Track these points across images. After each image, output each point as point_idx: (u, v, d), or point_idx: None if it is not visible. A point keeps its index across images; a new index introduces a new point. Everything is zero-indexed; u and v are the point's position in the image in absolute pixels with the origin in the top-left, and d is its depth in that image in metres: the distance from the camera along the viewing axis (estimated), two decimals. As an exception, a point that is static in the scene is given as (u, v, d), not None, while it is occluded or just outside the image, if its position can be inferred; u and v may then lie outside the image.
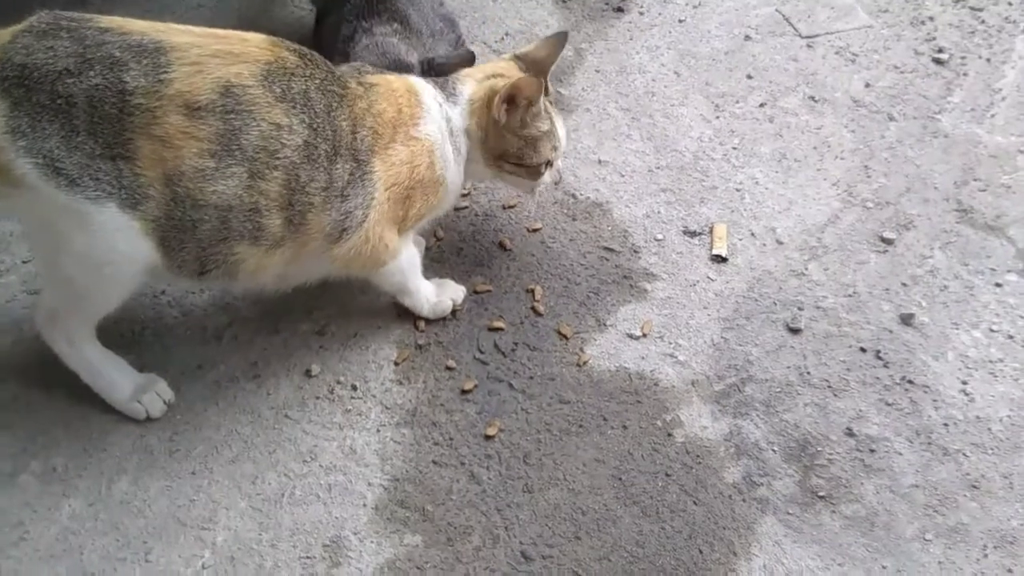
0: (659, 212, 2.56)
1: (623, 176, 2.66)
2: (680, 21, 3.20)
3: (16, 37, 1.69)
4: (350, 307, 2.29)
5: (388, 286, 2.20)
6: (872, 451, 2.05)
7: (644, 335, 2.27)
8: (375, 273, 2.12)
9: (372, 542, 1.90)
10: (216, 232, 1.81)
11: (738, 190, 2.62)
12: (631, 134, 2.79)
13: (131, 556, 1.86)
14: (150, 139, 1.70)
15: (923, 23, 3.17)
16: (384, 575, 1.85)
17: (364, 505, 1.95)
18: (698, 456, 2.05)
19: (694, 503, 1.97)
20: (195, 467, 2.00)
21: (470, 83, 2.16)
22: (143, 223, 1.76)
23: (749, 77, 2.98)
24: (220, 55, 1.76)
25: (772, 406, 2.13)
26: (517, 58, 2.24)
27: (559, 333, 2.27)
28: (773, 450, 2.06)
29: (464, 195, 2.52)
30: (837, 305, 2.33)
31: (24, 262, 2.33)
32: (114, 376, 2.06)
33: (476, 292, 2.34)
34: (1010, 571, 1.86)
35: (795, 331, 2.27)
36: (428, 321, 2.27)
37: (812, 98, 2.91)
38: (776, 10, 3.23)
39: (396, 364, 2.20)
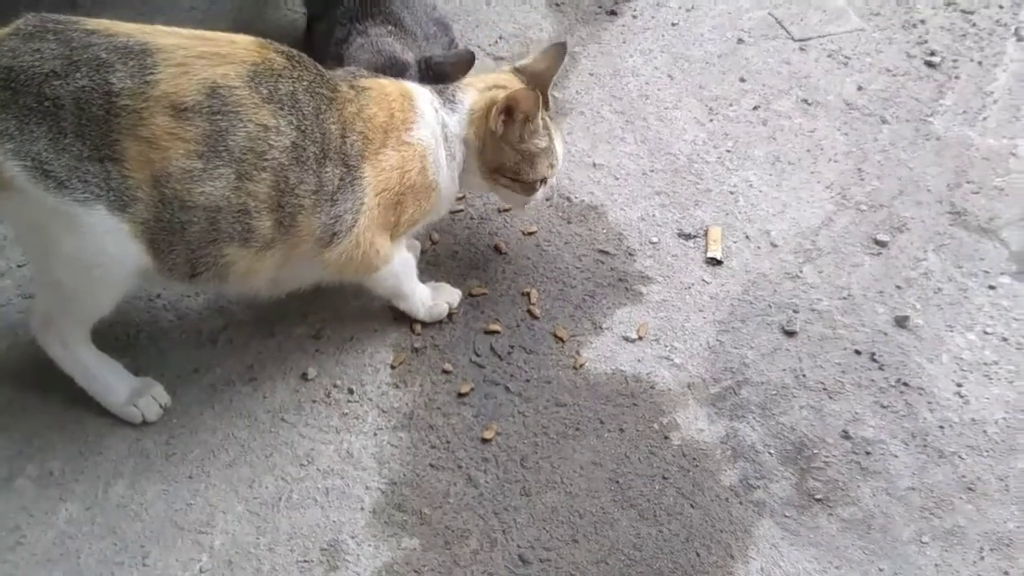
0: (654, 215, 2.56)
1: (617, 179, 2.66)
2: (673, 24, 3.20)
3: (2, 40, 1.69)
4: (346, 310, 2.29)
5: (382, 291, 2.19)
6: (868, 454, 2.05)
7: (640, 338, 2.27)
8: (368, 278, 2.11)
9: (369, 546, 1.90)
10: (205, 234, 1.81)
11: (732, 193, 2.62)
12: (625, 137, 2.79)
13: (128, 560, 1.86)
14: (137, 140, 1.70)
15: (915, 26, 3.18)
16: (382, 579, 1.86)
17: (361, 509, 1.95)
18: (695, 459, 2.05)
19: (691, 506, 1.97)
20: (192, 471, 2.00)
21: (472, 92, 2.15)
22: (132, 225, 1.75)
23: (742, 80, 2.99)
24: (206, 56, 1.76)
25: (768, 409, 2.14)
26: (517, 71, 2.23)
27: (555, 336, 2.27)
28: (769, 453, 2.06)
29: (459, 199, 2.51)
30: (832, 307, 2.33)
31: (19, 266, 2.32)
32: (109, 380, 2.05)
33: (472, 295, 2.34)
34: (1006, 573, 1.87)
35: (790, 334, 2.28)
36: (424, 324, 2.27)
37: (805, 101, 2.91)
38: (769, 13, 3.24)
39: (392, 367, 2.20)
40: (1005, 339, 2.26)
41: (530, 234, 2.50)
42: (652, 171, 2.69)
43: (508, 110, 2.07)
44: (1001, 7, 3.23)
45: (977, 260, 2.44)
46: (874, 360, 2.22)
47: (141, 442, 2.04)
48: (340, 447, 2.05)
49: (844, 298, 2.35)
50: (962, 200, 2.60)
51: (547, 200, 2.47)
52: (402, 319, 2.27)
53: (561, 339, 2.26)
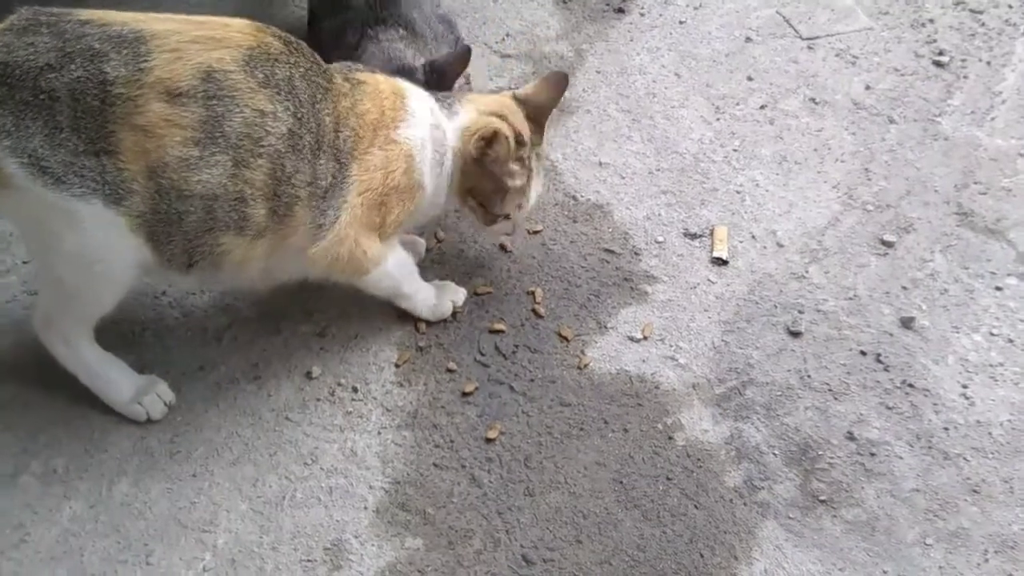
0: (660, 214, 2.56)
1: (624, 178, 2.66)
2: (681, 23, 3.20)
3: None
4: (350, 309, 2.28)
5: (380, 292, 2.19)
6: (873, 455, 2.05)
7: (645, 338, 2.27)
8: (361, 281, 2.10)
9: (373, 545, 1.90)
10: (202, 223, 1.80)
11: (739, 192, 2.62)
12: (632, 136, 2.79)
13: (132, 558, 1.86)
14: (132, 130, 1.69)
15: (923, 25, 3.17)
16: (385, 578, 1.86)
17: (365, 508, 1.95)
18: (699, 460, 2.05)
19: (695, 507, 1.97)
20: (196, 469, 2.00)
21: (471, 110, 2.14)
22: (129, 219, 1.75)
23: (749, 79, 2.98)
24: (201, 41, 1.74)
25: (773, 409, 2.13)
26: (517, 99, 2.21)
27: (560, 335, 2.27)
28: (774, 454, 2.06)
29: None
30: (837, 308, 2.33)
31: (24, 262, 2.32)
32: (113, 378, 2.05)
33: (477, 294, 2.34)
34: (1011, 575, 1.87)
35: (796, 334, 2.27)
36: (429, 323, 2.27)
37: (812, 100, 2.91)
38: (777, 12, 3.23)
39: (397, 366, 2.20)
40: (1011, 341, 2.26)
41: (535, 233, 2.49)
42: (658, 170, 2.68)
43: (487, 141, 2.06)
44: (1010, 7, 3.22)
45: (984, 261, 2.43)
46: (879, 361, 2.22)
47: (145, 440, 2.04)
48: (344, 446, 2.05)
49: (850, 299, 2.35)
50: (969, 201, 2.59)
51: (507, 234, 2.41)
52: (406, 318, 2.27)
53: (566, 338, 2.26)
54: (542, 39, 3.12)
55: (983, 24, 3.16)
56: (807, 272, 2.41)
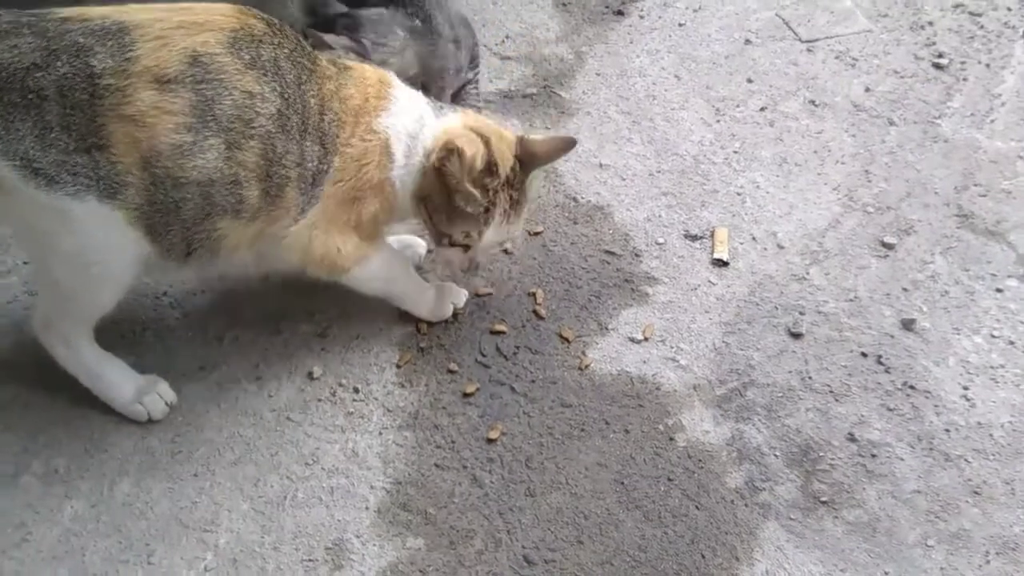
0: (660, 216, 2.56)
1: (624, 180, 2.66)
2: (680, 25, 3.20)
3: None
4: (352, 309, 2.28)
5: (370, 292, 2.17)
6: (874, 456, 2.05)
7: (646, 339, 2.27)
8: (341, 279, 2.08)
9: (374, 545, 1.90)
10: (200, 209, 1.80)
11: (739, 194, 2.62)
12: (632, 137, 2.79)
13: (133, 558, 1.86)
14: (123, 121, 1.68)
15: (923, 28, 3.17)
16: (387, 578, 1.86)
17: (366, 508, 1.95)
18: (700, 461, 2.05)
19: (696, 508, 1.97)
20: (197, 469, 2.00)
21: (458, 119, 2.08)
22: (125, 212, 1.75)
23: (749, 81, 2.99)
24: (184, 26, 1.74)
25: (774, 411, 2.13)
26: (520, 140, 2.11)
27: (561, 337, 2.27)
28: (775, 455, 2.06)
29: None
30: (838, 310, 2.33)
31: (25, 263, 2.32)
32: (114, 378, 2.05)
33: (478, 295, 2.34)
34: (1012, 577, 1.87)
35: (796, 336, 2.27)
36: (430, 324, 2.27)
37: (812, 102, 2.91)
38: (776, 14, 3.23)
39: (398, 367, 2.20)
40: (1012, 342, 2.26)
41: (536, 234, 2.49)
42: (659, 172, 2.68)
43: (449, 152, 1.97)
44: (1009, 9, 3.22)
45: (984, 263, 2.43)
46: (880, 363, 2.22)
47: (147, 440, 2.04)
48: (345, 446, 2.05)
49: (851, 300, 2.35)
50: (969, 203, 2.59)
51: (463, 270, 2.27)
52: (408, 318, 2.27)
53: (567, 340, 2.26)
54: (542, 41, 3.12)
55: (982, 27, 3.17)
56: (808, 274, 2.41)
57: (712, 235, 2.50)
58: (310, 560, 1.87)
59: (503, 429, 2.08)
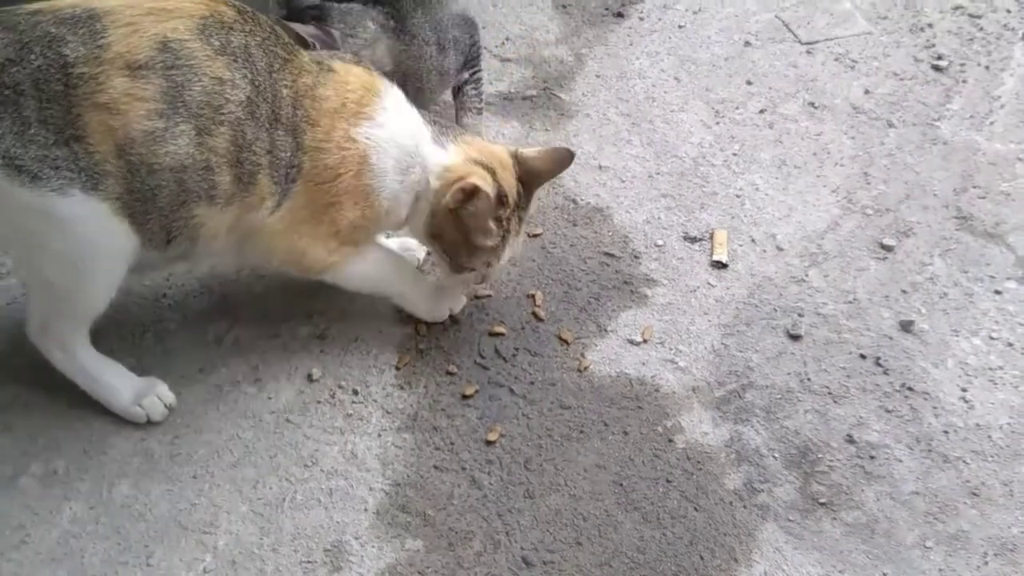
0: (659, 218, 2.56)
1: (623, 181, 2.66)
2: (680, 27, 3.20)
3: None
4: (350, 311, 2.28)
5: (359, 291, 2.17)
6: (872, 458, 2.05)
7: (645, 341, 2.27)
8: (323, 279, 2.08)
9: (373, 547, 1.90)
10: (175, 196, 1.80)
11: (738, 196, 2.62)
12: (631, 139, 2.79)
13: (132, 560, 1.86)
14: (97, 109, 1.68)
15: (922, 30, 3.17)
16: (385, 580, 1.86)
17: (365, 510, 1.95)
18: (699, 462, 2.05)
19: (695, 509, 1.97)
20: (196, 471, 2.00)
21: (461, 151, 2.06)
22: (110, 203, 1.75)
23: (749, 83, 2.99)
24: (154, 12, 1.73)
25: (773, 412, 2.13)
26: (515, 158, 2.12)
27: (560, 338, 2.27)
28: (774, 456, 2.06)
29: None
30: (837, 312, 2.33)
31: (24, 265, 2.32)
32: (112, 381, 2.04)
33: (477, 297, 2.34)
34: (1010, 579, 1.87)
35: (795, 337, 2.27)
36: (429, 326, 2.27)
37: (812, 104, 2.91)
38: (776, 16, 3.24)
39: (397, 368, 2.20)
40: (1011, 344, 2.26)
41: (535, 236, 2.49)
42: (658, 174, 2.69)
43: (468, 194, 1.99)
44: (1009, 11, 3.23)
45: (983, 265, 2.44)
46: (879, 364, 2.22)
47: (146, 442, 2.04)
48: (344, 448, 2.05)
49: (849, 302, 2.35)
50: (968, 205, 2.59)
51: (471, 289, 2.34)
52: (407, 320, 2.28)
53: (566, 341, 2.26)
54: (541, 43, 3.12)
55: (981, 29, 3.17)
56: (807, 276, 2.41)
57: (711, 237, 2.51)
58: (309, 562, 1.87)
59: (502, 431, 2.09)
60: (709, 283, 2.40)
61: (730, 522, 1.95)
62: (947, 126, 2.83)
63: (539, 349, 2.24)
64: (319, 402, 2.13)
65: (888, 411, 2.13)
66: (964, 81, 2.98)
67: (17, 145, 1.65)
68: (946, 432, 2.10)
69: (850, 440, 2.08)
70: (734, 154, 2.75)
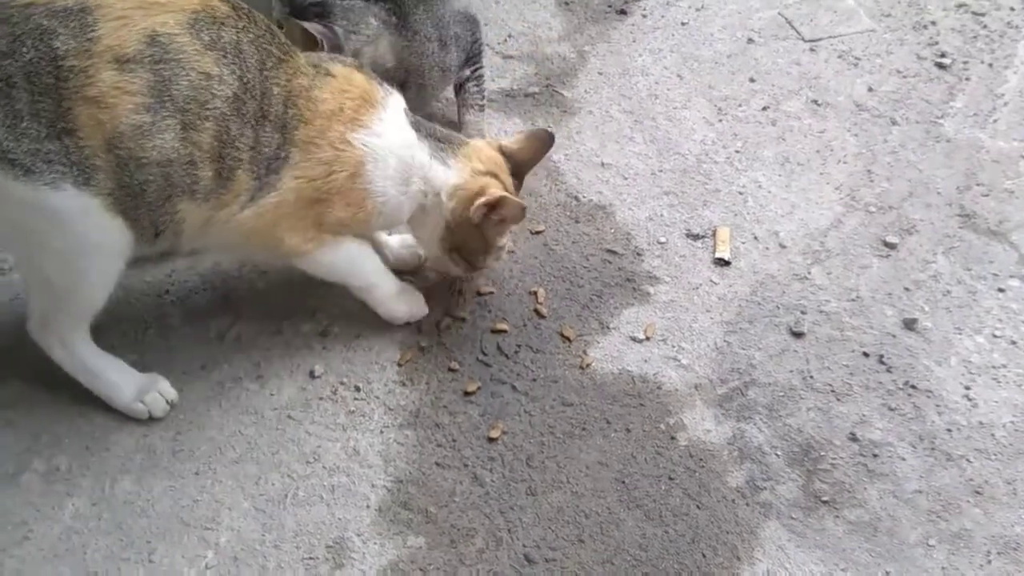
0: (662, 215, 2.56)
1: (626, 179, 2.66)
2: (683, 24, 3.20)
3: None
4: (353, 308, 2.27)
5: (328, 280, 2.17)
6: (875, 456, 2.05)
7: (647, 338, 2.27)
8: (296, 263, 2.09)
9: (375, 544, 1.90)
10: (162, 191, 1.80)
11: (741, 193, 2.62)
12: (634, 137, 2.79)
13: (134, 556, 1.86)
14: (86, 103, 1.68)
15: (925, 28, 3.17)
16: (387, 577, 1.86)
17: (367, 506, 1.95)
18: (701, 460, 2.05)
19: (697, 507, 1.97)
20: (198, 467, 2.00)
21: (466, 167, 2.10)
22: (101, 199, 1.75)
23: (752, 80, 2.99)
24: (145, 6, 1.73)
25: (775, 410, 2.13)
26: (502, 152, 2.19)
27: (562, 336, 2.27)
28: (776, 454, 2.06)
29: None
30: (840, 309, 2.33)
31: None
32: (114, 378, 2.05)
33: (479, 294, 2.34)
34: (1013, 577, 1.87)
35: (798, 335, 2.27)
36: (431, 323, 2.27)
37: (815, 102, 2.91)
38: (779, 14, 3.23)
39: (399, 365, 2.20)
40: (1014, 342, 2.26)
41: (538, 233, 2.49)
42: (661, 171, 2.68)
43: (493, 208, 2.06)
44: (1012, 9, 3.22)
45: (986, 263, 2.43)
46: (882, 362, 2.22)
47: (148, 438, 2.04)
48: (347, 445, 2.05)
49: (852, 300, 2.35)
50: (972, 202, 2.59)
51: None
52: (409, 317, 2.28)
53: (568, 338, 2.26)
54: (544, 40, 3.12)
55: (985, 26, 3.17)
56: (810, 273, 2.41)
57: (714, 234, 2.50)
58: (311, 558, 1.87)
59: (504, 428, 2.08)
60: (712, 280, 2.40)
61: (732, 520, 1.95)
62: (950, 124, 2.83)
63: (541, 346, 2.24)
64: (321, 399, 2.13)
65: (891, 409, 2.13)
66: (968, 79, 2.98)
67: (9, 138, 1.65)
68: (949, 430, 2.10)
69: (853, 438, 2.08)
70: (737, 151, 2.75)
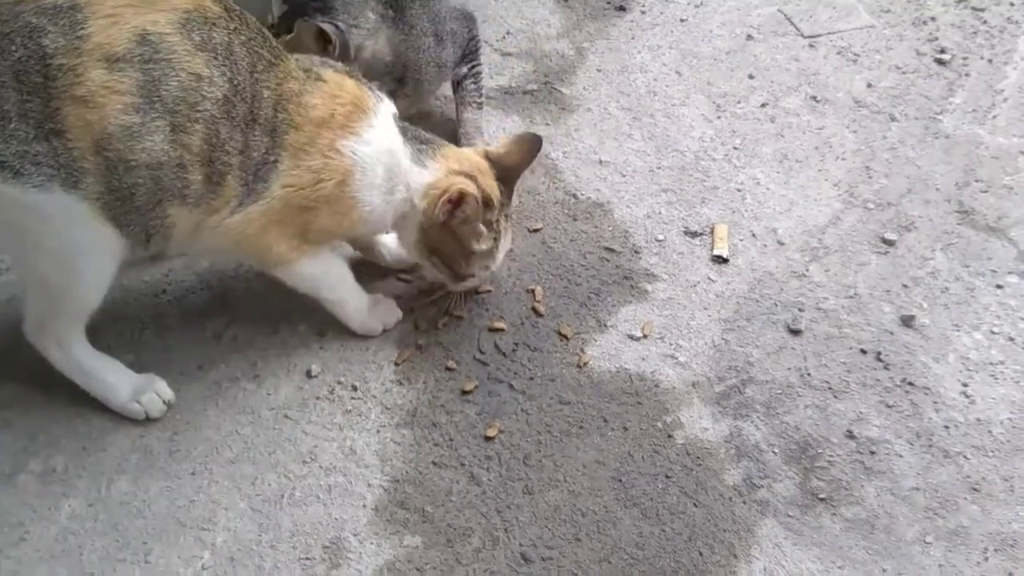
0: (660, 212, 2.55)
1: (624, 176, 2.66)
2: (682, 20, 3.20)
3: None
4: (350, 307, 2.28)
5: (303, 291, 2.15)
6: (872, 453, 2.05)
7: (645, 336, 2.26)
8: (276, 273, 2.08)
9: (372, 543, 1.90)
10: (152, 195, 1.79)
11: (739, 190, 2.61)
12: (632, 134, 2.79)
13: (131, 557, 1.86)
14: (75, 103, 1.67)
15: (925, 23, 3.16)
16: (384, 576, 1.86)
17: (364, 506, 1.95)
18: (698, 458, 2.04)
19: (694, 505, 1.96)
20: (195, 467, 2.00)
21: (441, 167, 2.09)
22: (90, 203, 1.75)
23: (751, 77, 2.98)
24: (135, 5, 1.72)
25: (773, 408, 2.13)
26: (488, 158, 2.17)
27: (559, 334, 2.26)
28: (774, 452, 2.05)
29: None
30: (838, 306, 2.32)
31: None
32: (110, 379, 2.05)
33: (477, 292, 2.33)
34: (1011, 574, 1.86)
35: (796, 332, 2.27)
36: (428, 321, 2.27)
37: (814, 98, 2.90)
38: (778, 10, 3.23)
39: (396, 364, 2.20)
40: (1012, 339, 2.25)
41: (535, 231, 2.49)
42: (659, 168, 2.68)
43: (456, 203, 2.03)
44: (1012, 4, 3.22)
45: (985, 259, 2.43)
46: (880, 359, 2.21)
47: (144, 438, 2.04)
48: (343, 444, 2.05)
49: (850, 297, 2.34)
50: (971, 199, 2.58)
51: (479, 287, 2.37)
52: (406, 315, 2.28)
53: (565, 337, 2.26)
54: (543, 37, 3.12)
55: (985, 22, 3.16)
56: (807, 270, 2.41)
57: (712, 232, 2.50)
58: (307, 558, 1.87)
59: (501, 427, 2.08)
60: (709, 278, 2.40)
61: (729, 518, 1.95)
62: (949, 120, 2.82)
63: (539, 345, 2.24)
64: (318, 398, 2.13)
65: (888, 406, 2.13)
66: (967, 75, 2.97)
67: None
68: (947, 427, 2.09)
69: (850, 435, 2.08)
70: (735, 148, 2.75)
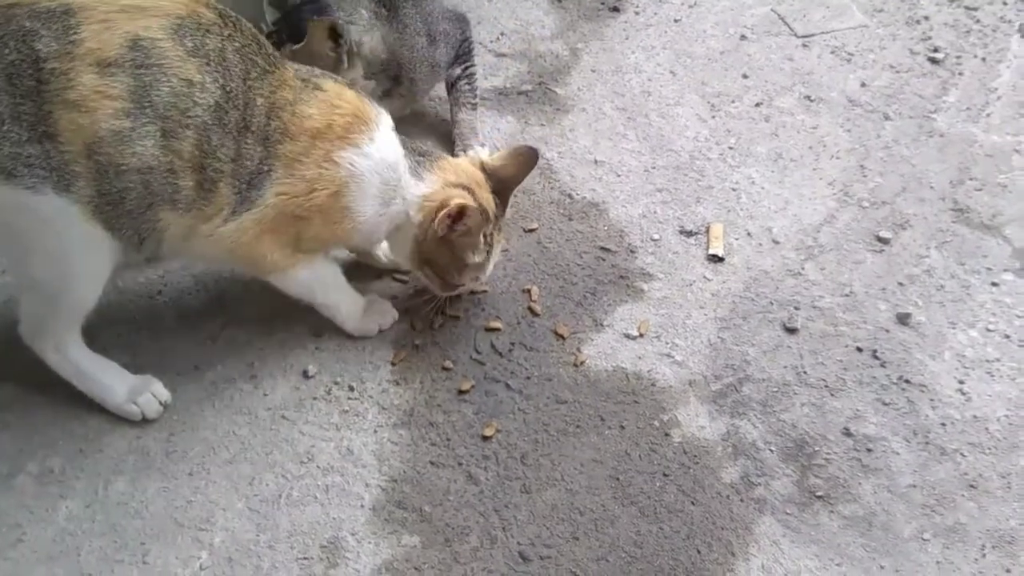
0: (655, 212, 2.56)
1: (619, 176, 2.66)
2: (676, 21, 3.20)
3: None
4: (347, 308, 2.28)
5: (297, 297, 2.15)
6: (869, 451, 2.05)
7: (641, 335, 2.27)
8: (270, 280, 2.08)
9: (370, 543, 1.89)
10: (142, 199, 1.79)
11: (734, 190, 2.62)
12: (627, 134, 2.79)
13: (128, 557, 1.86)
14: (67, 107, 1.67)
15: (918, 22, 3.17)
16: (382, 576, 1.86)
17: (362, 506, 1.95)
18: (695, 456, 2.05)
19: (692, 503, 1.97)
20: (192, 468, 2.00)
21: (439, 178, 2.08)
22: (82, 206, 1.75)
23: (745, 77, 2.98)
24: (128, 10, 1.72)
25: (769, 406, 2.13)
26: (484, 170, 2.17)
27: (556, 333, 2.26)
28: (771, 450, 2.06)
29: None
30: (833, 305, 2.33)
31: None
32: (106, 380, 2.05)
33: (473, 293, 2.33)
34: (1008, 571, 1.87)
35: (792, 331, 2.27)
36: (424, 321, 2.27)
37: (808, 98, 2.91)
38: (772, 10, 3.23)
39: (393, 364, 2.19)
40: (1007, 336, 2.26)
41: (531, 231, 2.49)
42: (654, 168, 2.68)
43: (455, 217, 2.02)
44: (1005, 3, 3.22)
45: (980, 257, 2.43)
46: (876, 357, 2.22)
47: (142, 439, 2.04)
48: (340, 444, 2.05)
49: (846, 295, 2.35)
50: (965, 197, 2.59)
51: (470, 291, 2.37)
52: (403, 315, 2.28)
53: (562, 336, 2.26)
54: (537, 38, 3.12)
55: (978, 21, 3.16)
56: (803, 269, 2.41)
57: (707, 231, 2.50)
58: (305, 558, 1.87)
59: (498, 426, 2.08)
60: (705, 277, 2.40)
61: (727, 516, 1.95)
62: (943, 118, 2.83)
63: (535, 344, 2.24)
64: (315, 398, 2.13)
65: (885, 404, 2.13)
66: (960, 73, 2.98)
67: None
68: (943, 424, 2.10)
69: (847, 433, 2.08)
70: (730, 148, 2.75)
